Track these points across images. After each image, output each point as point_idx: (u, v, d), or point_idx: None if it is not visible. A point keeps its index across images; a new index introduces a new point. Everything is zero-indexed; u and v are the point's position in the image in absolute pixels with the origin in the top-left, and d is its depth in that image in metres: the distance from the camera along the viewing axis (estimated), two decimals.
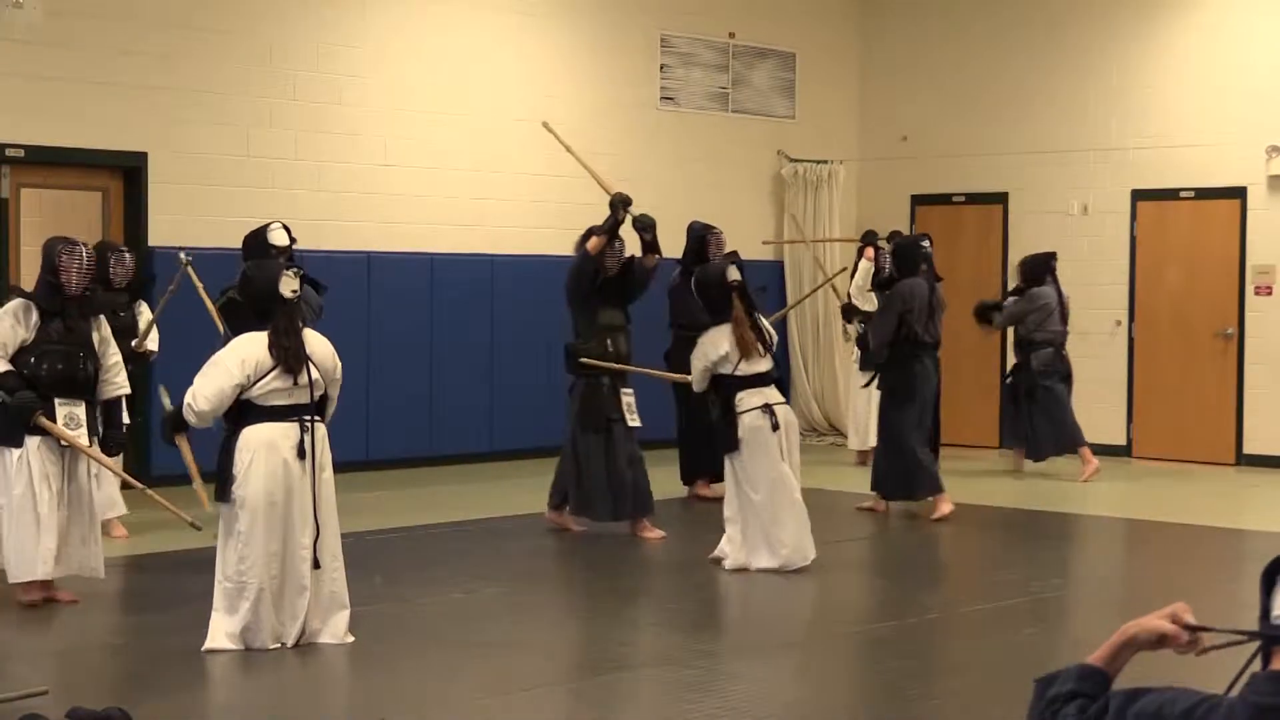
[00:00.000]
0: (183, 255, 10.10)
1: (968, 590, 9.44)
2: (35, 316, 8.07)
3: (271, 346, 7.16)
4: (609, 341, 10.53)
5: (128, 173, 12.54)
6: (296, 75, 13.32)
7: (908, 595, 9.56)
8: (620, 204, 10.45)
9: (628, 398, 10.58)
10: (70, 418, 8.08)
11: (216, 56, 12.84)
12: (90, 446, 8.18)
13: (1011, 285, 14.47)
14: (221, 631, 7.20)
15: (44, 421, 7.99)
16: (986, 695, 6.92)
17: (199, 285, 9.65)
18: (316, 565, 7.23)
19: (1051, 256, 14.23)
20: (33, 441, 7.99)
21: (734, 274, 9.47)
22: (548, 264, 14.59)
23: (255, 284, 7.30)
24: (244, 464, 7.15)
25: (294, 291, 7.23)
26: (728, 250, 11.89)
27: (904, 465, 11.42)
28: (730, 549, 9.50)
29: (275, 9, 13.23)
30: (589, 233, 10.73)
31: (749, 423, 9.37)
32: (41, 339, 8.07)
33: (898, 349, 11.37)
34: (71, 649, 7.56)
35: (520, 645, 7.56)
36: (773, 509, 9.38)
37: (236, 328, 7.42)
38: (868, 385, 12.35)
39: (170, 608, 8.30)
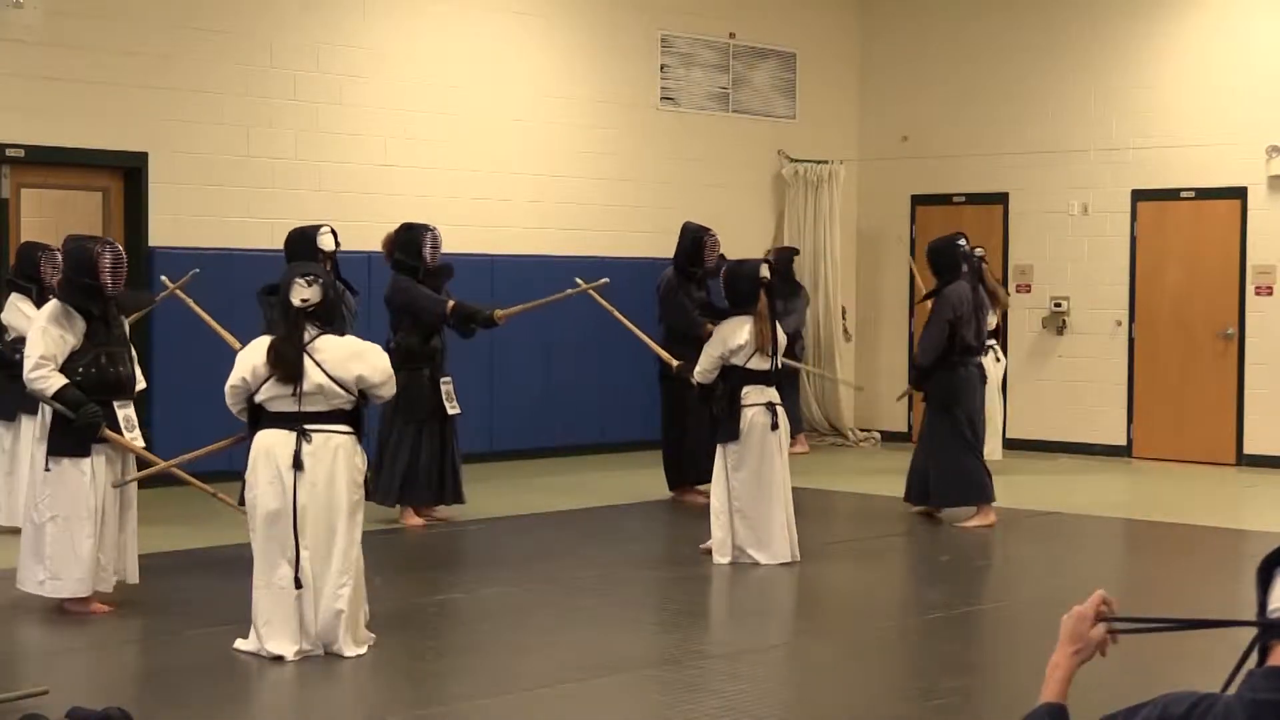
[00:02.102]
0: (165, 278, 10.04)
1: (968, 590, 9.44)
2: (80, 321, 7.92)
3: (268, 351, 7.15)
4: (432, 338, 10.92)
5: (128, 173, 12.54)
6: (296, 75, 13.32)
7: (908, 595, 9.57)
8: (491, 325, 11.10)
9: (446, 386, 10.90)
10: (127, 420, 8.01)
11: (216, 56, 12.84)
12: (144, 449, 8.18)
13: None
14: (251, 631, 7.20)
15: (109, 434, 7.89)
16: (986, 695, 6.93)
17: (195, 306, 9.62)
18: (298, 585, 7.07)
19: (795, 251, 15.36)
20: (99, 454, 7.89)
21: (765, 272, 9.82)
22: (548, 264, 14.60)
23: (280, 287, 7.34)
24: (250, 469, 7.17)
25: (303, 300, 7.20)
26: (721, 252, 12.00)
27: (951, 473, 11.20)
28: (716, 541, 9.67)
29: (275, 9, 13.23)
30: (403, 234, 10.91)
31: (751, 417, 9.62)
32: (89, 344, 7.91)
33: (947, 356, 11.17)
34: (73, 649, 7.55)
35: (520, 645, 7.56)
36: (760, 503, 9.61)
37: (271, 328, 7.48)
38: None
39: (172, 608, 8.30)
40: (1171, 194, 15.42)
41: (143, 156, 12.52)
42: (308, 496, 7.07)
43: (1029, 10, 16.30)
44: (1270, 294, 14.91)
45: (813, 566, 9.85)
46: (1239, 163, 14.95)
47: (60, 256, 9.10)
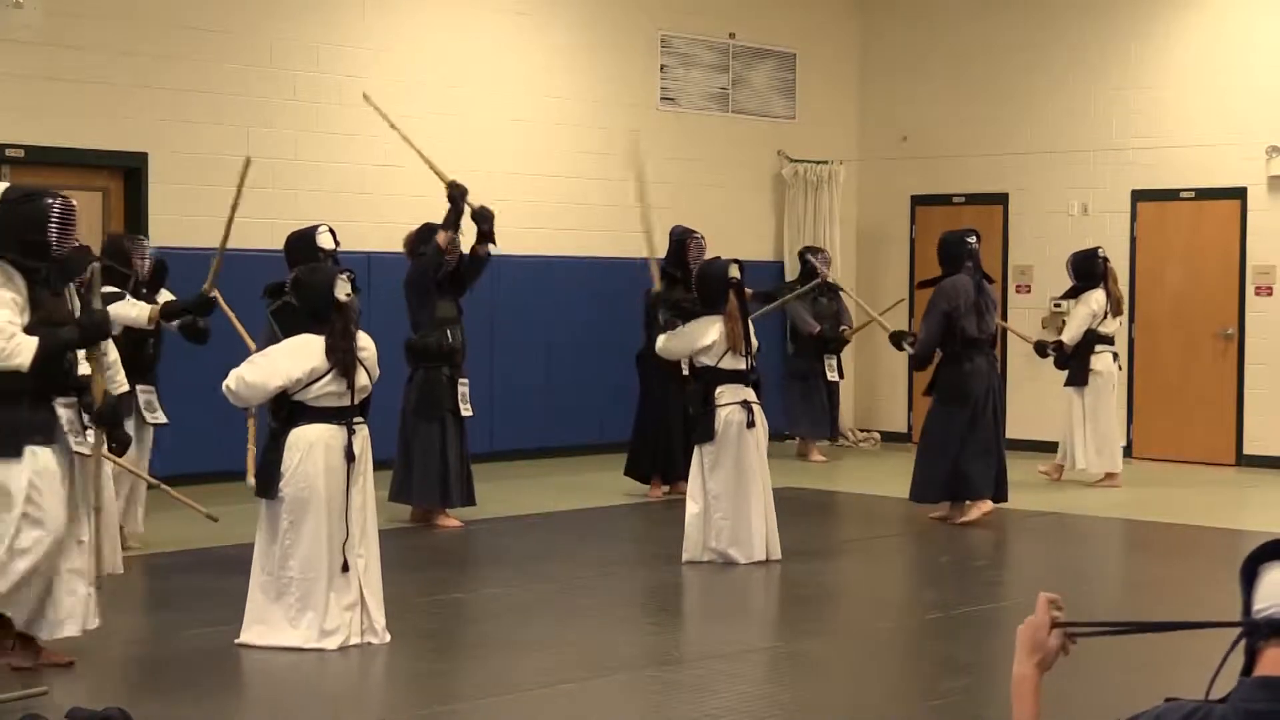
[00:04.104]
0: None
1: (968, 590, 9.43)
2: (21, 281, 7.92)
3: (329, 351, 7.21)
4: (447, 334, 10.90)
5: (128, 173, 12.54)
6: (296, 75, 13.32)
7: (908, 595, 9.57)
8: (460, 195, 10.73)
9: (463, 388, 10.96)
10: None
11: (216, 56, 12.84)
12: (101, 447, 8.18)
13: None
14: (257, 626, 7.26)
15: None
16: (986, 695, 6.92)
17: (230, 314, 9.66)
18: (345, 569, 7.25)
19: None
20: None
21: (734, 272, 9.72)
22: (547, 264, 14.61)
23: (310, 287, 7.36)
24: (293, 462, 7.20)
25: (348, 295, 7.30)
26: (708, 254, 12.01)
27: (945, 468, 11.13)
28: (688, 541, 9.69)
29: (275, 9, 13.22)
30: (425, 229, 10.92)
31: (726, 417, 9.62)
32: (35, 314, 7.95)
33: (949, 348, 11.15)
34: (72, 648, 7.55)
35: (520, 645, 7.56)
36: (737, 502, 9.60)
37: (288, 330, 7.46)
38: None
39: (171, 607, 8.30)
40: (1171, 194, 15.42)
41: (143, 156, 12.52)
42: (360, 487, 7.31)
43: (1029, 10, 16.30)
44: (1270, 294, 14.91)
45: (812, 566, 9.84)
46: (1239, 163, 14.95)
47: (134, 244, 9.50)
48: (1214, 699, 2.49)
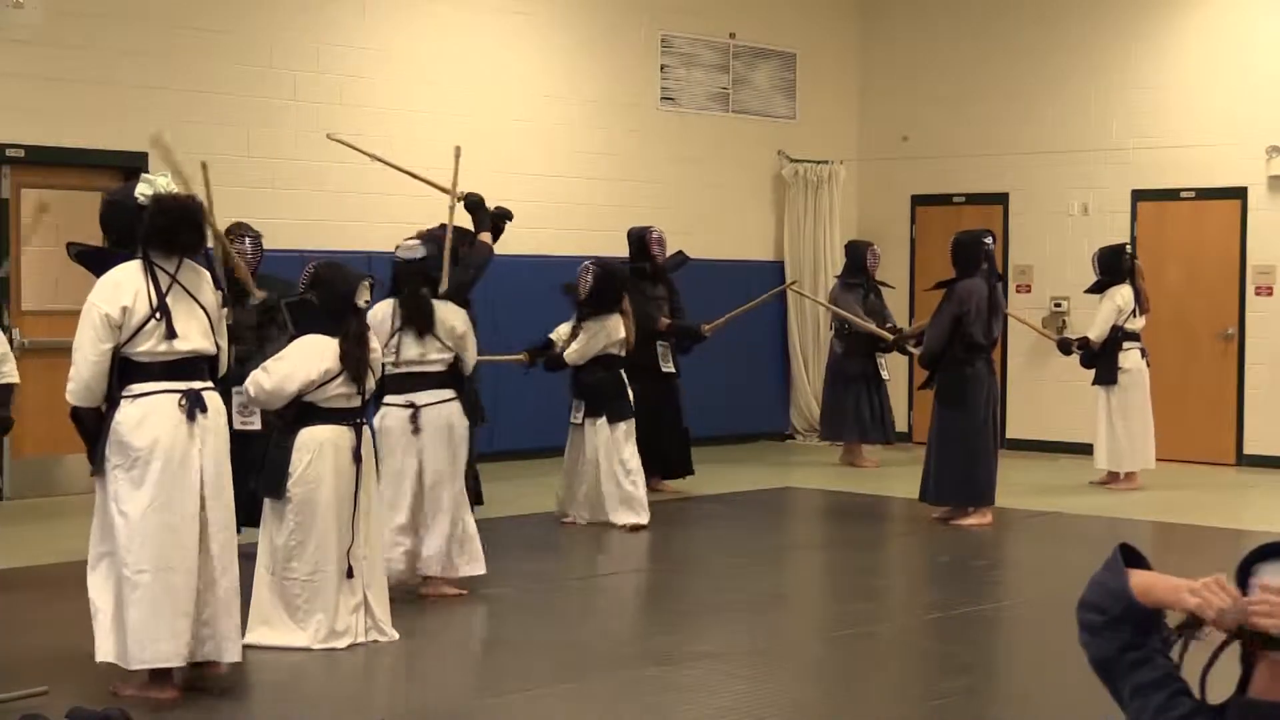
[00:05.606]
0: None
1: (968, 590, 9.43)
2: None
3: (344, 356, 7.25)
4: None
5: (128, 173, 12.52)
6: (296, 75, 13.32)
7: (908, 595, 9.57)
8: (480, 200, 10.65)
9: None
10: None
11: (216, 56, 12.84)
12: None
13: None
14: (262, 628, 7.27)
15: None
16: (987, 695, 6.93)
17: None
18: (350, 574, 7.26)
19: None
20: None
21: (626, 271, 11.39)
22: (547, 264, 14.59)
23: (334, 288, 7.37)
24: (302, 463, 7.21)
25: (366, 301, 7.39)
26: (668, 247, 12.67)
27: (957, 471, 11.18)
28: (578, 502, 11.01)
29: (275, 9, 13.22)
30: (428, 234, 10.93)
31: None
32: None
33: (951, 351, 11.13)
34: (71, 649, 7.55)
35: (520, 645, 7.56)
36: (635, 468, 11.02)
37: (302, 327, 7.48)
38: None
39: None
40: (1171, 194, 15.42)
41: (143, 156, 12.50)
42: (366, 487, 7.33)
43: (1029, 10, 16.30)
44: (1270, 294, 14.91)
45: (812, 566, 9.84)
46: (1239, 163, 14.95)
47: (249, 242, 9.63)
48: (1210, 704, 2.46)
